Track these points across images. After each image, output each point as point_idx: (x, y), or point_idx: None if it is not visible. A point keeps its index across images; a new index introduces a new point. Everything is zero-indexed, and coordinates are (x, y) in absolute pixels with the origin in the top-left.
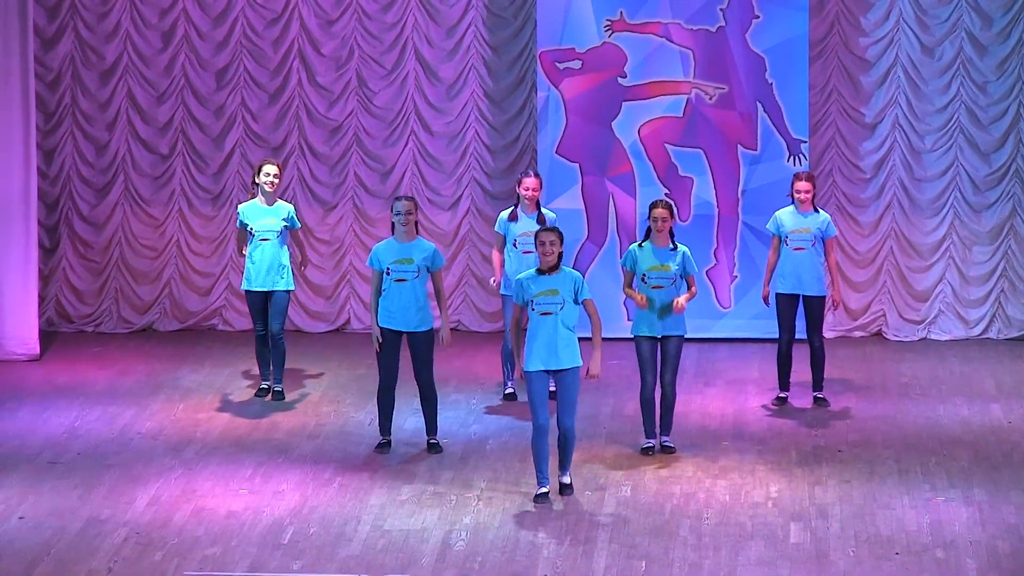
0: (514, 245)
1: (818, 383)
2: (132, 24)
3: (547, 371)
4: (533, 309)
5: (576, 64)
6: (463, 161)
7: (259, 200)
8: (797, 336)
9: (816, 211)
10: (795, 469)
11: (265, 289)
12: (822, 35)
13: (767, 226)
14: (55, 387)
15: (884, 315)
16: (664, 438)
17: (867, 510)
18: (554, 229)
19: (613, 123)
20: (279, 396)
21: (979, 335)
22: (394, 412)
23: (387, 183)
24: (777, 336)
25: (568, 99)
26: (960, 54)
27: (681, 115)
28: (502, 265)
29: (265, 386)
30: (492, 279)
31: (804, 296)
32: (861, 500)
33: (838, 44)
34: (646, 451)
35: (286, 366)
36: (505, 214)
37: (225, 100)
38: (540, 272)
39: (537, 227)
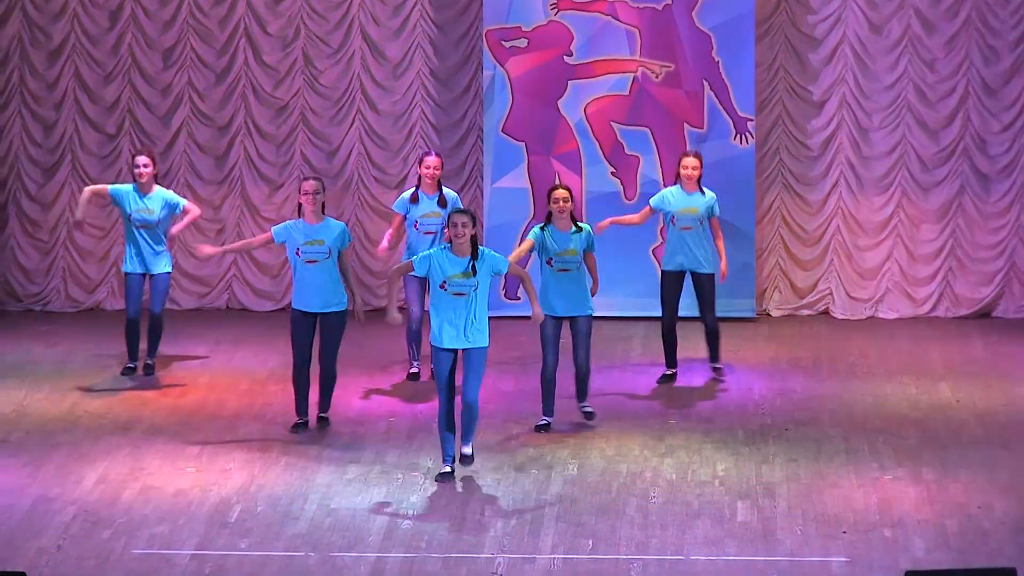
0: (415, 227)
1: (715, 355)
2: (79, 4)
3: (455, 350)
4: (445, 289)
5: (522, 43)
6: (409, 140)
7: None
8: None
9: (702, 192)
10: (742, 448)
11: (145, 272)
12: (769, 13)
13: (651, 201)
14: (3, 366)
15: (831, 293)
16: (582, 404)
17: (814, 489)
18: (467, 211)
19: (559, 102)
20: (150, 371)
21: (927, 313)
22: (309, 391)
23: (333, 162)
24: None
25: (514, 78)
26: (908, 31)
27: (627, 93)
28: (392, 238)
29: (132, 365)
30: (379, 247)
31: (694, 274)
32: (808, 479)
33: (785, 22)
34: (541, 428)
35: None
36: (407, 195)
37: (172, 79)
38: (454, 253)
39: (438, 208)
